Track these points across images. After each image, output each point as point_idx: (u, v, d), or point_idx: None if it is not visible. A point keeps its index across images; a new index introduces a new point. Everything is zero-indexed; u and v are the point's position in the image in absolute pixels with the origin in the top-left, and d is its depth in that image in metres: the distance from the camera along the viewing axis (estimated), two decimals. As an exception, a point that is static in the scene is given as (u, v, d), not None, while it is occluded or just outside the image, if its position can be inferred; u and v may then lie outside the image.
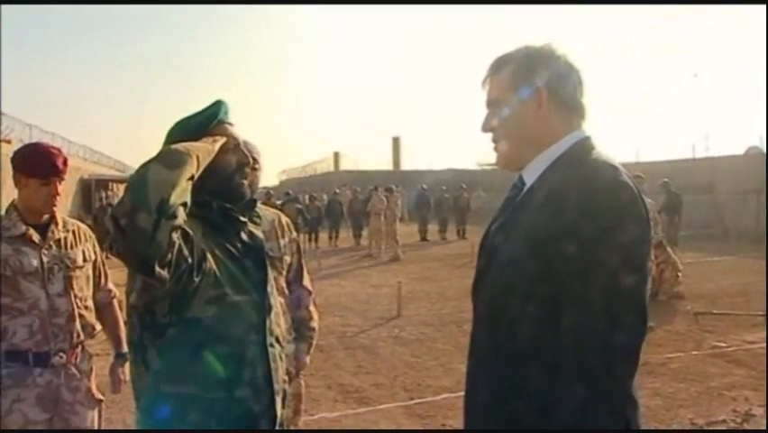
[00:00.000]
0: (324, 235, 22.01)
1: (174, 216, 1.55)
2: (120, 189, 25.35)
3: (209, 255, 1.81)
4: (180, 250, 1.64)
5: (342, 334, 8.07)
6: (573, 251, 1.33)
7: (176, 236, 1.59)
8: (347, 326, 8.56)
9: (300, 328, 3.24)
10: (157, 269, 1.57)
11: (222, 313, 1.81)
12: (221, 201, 1.93)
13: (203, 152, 1.75)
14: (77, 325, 2.80)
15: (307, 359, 3.25)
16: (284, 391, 2.03)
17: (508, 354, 1.44)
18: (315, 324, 3.31)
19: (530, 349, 1.39)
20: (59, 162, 2.75)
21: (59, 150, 2.83)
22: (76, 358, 2.84)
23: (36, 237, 2.74)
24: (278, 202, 18.91)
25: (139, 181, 1.58)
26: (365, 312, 9.49)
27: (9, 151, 12.20)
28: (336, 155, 46.12)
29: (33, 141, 16.67)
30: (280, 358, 1.99)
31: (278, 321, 2.05)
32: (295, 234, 3.32)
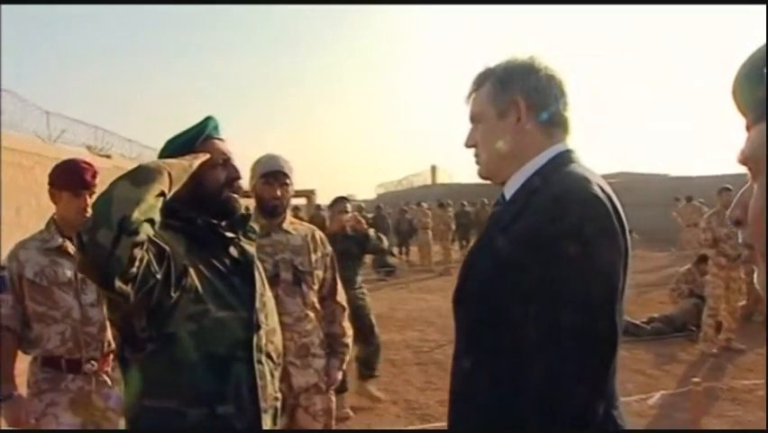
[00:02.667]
0: (414, 248, 21.72)
1: (135, 233, 1.54)
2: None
3: (192, 271, 1.80)
4: (148, 265, 1.62)
5: (417, 348, 7.98)
6: (540, 262, 1.29)
7: (139, 252, 1.57)
8: (424, 340, 8.45)
9: (333, 344, 3.22)
10: (117, 284, 1.56)
11: (203, 329, 1.79)
12: (208, 217, 1.93)
13: (176, 168, 1.74)
14: (109, 334, 2.87)
15: (339, 375, 3.21)
16: (275, 409, 1.99)
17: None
18: (348, 340, 3.28)
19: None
20: (89, 176, 2.86)
21: (89, 164, 2.92)
22: (107, 366, 2.91)
23: (71, 249, 2.82)
24: (370, 215, 19.13)
25: (104, 198, 1.59)
26: (445, 328, 9.27)
27: (110, 165, 12.84)
28: (433, 169, 46.08)
29: (133, 155, 17.68)
30: (271, 375, 1.96)
31: (272, 338, 2.01)
32: (329, 249, 3.29)
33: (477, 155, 1.59)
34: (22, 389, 2.86)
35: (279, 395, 2.06)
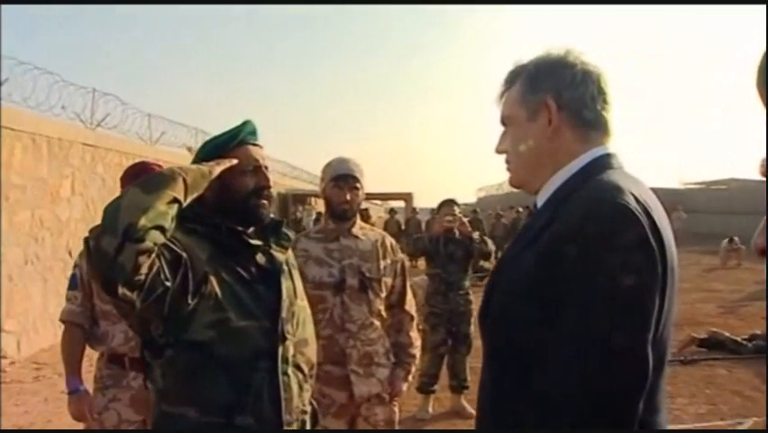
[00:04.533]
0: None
1: (140, 240, 1.51)
2: (317, 203, 26.58)
3: (213, 278, 1.76)
4: (158, 273, 1.58)
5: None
6: (559, 276, 1.20)
7: (146, 260, 1.54)
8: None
9: (399, 354, 3.10)
10: (121, 291, 1.53)
11: (223, 338, 1.74)
12: (234, 223, 1.88)
13: (193, 174, 1.70)
14: None
15: (404, 386, 3.10)
16: (302, 422, 1.92)
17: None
18: (415, 350, 3.16)
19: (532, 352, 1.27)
20: None
21: (159, 166, 2.95)
22: None
23: None
24: (466, 219, 18.76)
25: (113, 204, 1.57)
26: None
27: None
28: (534, 173, 45.07)
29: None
30: (300, 387, 1.89)
31: (303, 349, 1.94)
32: (400, 256, 3.18)
33: (508, 162, 1.47)
34: (91, 384, 2.95)
35: (309, 408, 1.98)
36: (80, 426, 3.00)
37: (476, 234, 5.78)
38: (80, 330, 2.88)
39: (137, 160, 3.42)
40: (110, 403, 2.85)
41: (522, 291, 1.27)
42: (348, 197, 2.96)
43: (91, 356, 3.04)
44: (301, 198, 27.74)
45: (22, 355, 7.70)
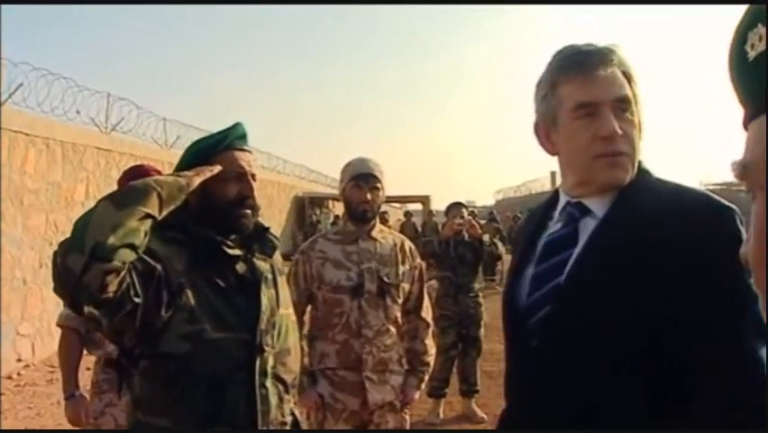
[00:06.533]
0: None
1: (108, 260, 1.46)
2: (335, 207, 26.59)
3: (188, 290, 1.71)
4: (127, 289, 1.54)
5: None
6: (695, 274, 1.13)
7: (114, 278, 1.49)
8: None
9: (413, 361, 3.02)
10: (87, 309, 1.50)
11: (198, 350, 1.69)
12: (215, 232, 1.82)
13: (170, 188, 1.64)
14: None
15: (416, 394, 3.02)
16: None
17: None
18: (429, 358, 3.07)
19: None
20: None
21: (157, 170, 2.93)
22: None
23: None
24: (482, 221, 18.71)
25: (83, 219, 1.53)
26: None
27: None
28: (553, 175, 44.88)
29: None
30: (279, 399, 1.84)
31: (284, 360, 1.87)
32: (418, 261, 3.10)
33: (621, 153, 1.28)
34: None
35: (290, 418, 1.92)
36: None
37: (486, 237, 5.74)
38: (77, 335, 2.87)
39: (151, 163, 3.42)
40: (106, 408, 2.84)
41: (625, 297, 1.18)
42: (368, 196, 2.88)
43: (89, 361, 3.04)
44: (318, 202, 27.75)
45: (36, 358, 7.75)
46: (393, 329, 2.93)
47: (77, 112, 9.58)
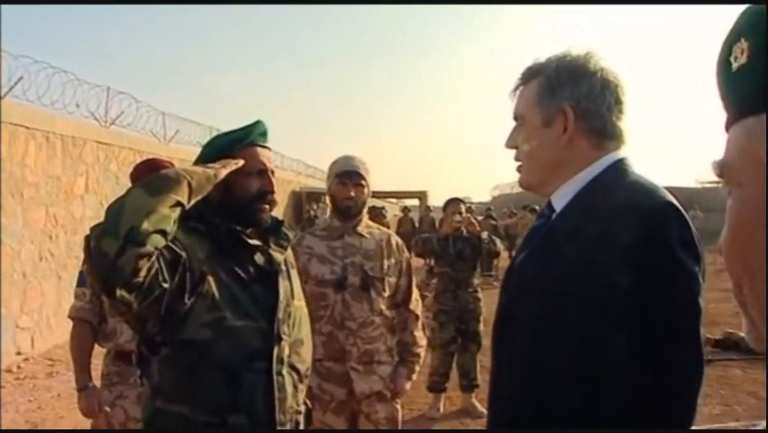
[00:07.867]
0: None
1: (142, 244, 1.50)
2: (332, 202, 26.50)
3: (210, 278, 1.75)
4: (156, 275, 1.58)
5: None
6: (626, 274, 1.17)
7: (145, 263, 1.53)
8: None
9: (403, 352, 3.10)
10: (119, 293, 1.52)
11: (218, 337, 1.74)
12: (234, 224, 1.87)
13: (199, 178, 1.69)
14: None
15: (407, 384, 3.09)
16: (296, 422, 1.93)
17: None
18: (419, 349, 3.14)
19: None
20: None
21: (171, 163, 2.95)
22: None
23: None
24: (480, 218, 18.78)
25: (116, 205, 1.57)
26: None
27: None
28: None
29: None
30: (294, 388, 1.89)
31: (298, 349, 1.94)
32: (406, 255, 3.17)
33: (517, 160, 1.45)
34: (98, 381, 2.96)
35: (303, 408, 1.98)
36: (88, 423, 3.01)
37: (485, 234, 5.77)
38: (89, 327, 2.89)
39: (150, 157, 3.44)
40: (117, 400, 2.87)
41: (563, 294, 1.24)
42: (352, 193, 2.97)
43: (98, 353, 3.06)
44: (315, 196, 27.73)
45: (36, 351, 7.76)
46: (378, 321, 3.00)
47: (77, 105, 9.57)
